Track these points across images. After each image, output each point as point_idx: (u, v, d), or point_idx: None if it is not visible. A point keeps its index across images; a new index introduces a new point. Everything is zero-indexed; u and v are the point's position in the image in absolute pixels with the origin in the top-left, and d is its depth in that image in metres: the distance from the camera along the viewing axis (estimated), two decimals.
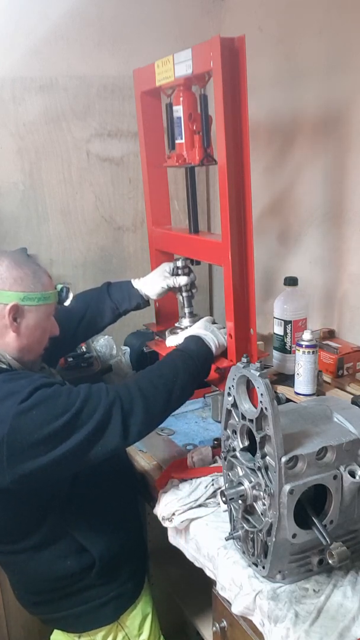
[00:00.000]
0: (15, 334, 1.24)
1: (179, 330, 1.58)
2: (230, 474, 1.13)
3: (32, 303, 1.24)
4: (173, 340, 1.50)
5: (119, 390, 1.19)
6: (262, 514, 1.04)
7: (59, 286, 1.33)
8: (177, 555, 1.31)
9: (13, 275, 1.23)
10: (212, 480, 1.33)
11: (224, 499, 1.07)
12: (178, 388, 1.25)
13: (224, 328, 1.42)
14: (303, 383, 1.56)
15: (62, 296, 1.33)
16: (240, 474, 1.08)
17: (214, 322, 1.47)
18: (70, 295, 1.36)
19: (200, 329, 1.42)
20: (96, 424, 1.13)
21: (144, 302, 1.59)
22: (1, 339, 1.23)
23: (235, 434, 1.10)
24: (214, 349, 1.37)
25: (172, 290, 1.58)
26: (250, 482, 1.05)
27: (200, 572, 1.23)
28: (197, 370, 1.31)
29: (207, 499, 1.30)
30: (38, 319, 1.26)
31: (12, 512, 1.25)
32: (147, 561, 1.51)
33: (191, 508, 1.28)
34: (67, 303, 1.35)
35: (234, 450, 1.11)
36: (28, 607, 1.43)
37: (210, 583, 1.22)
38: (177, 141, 1.48)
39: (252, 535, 1.08)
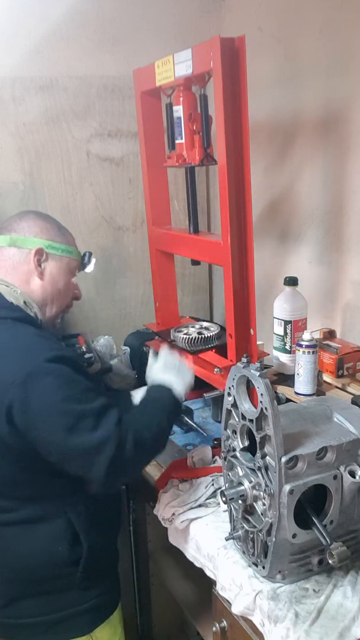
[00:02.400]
0: (39, 280, 1.30)
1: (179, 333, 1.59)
2: (230, 474, 1.13)
3: (56, 252, 1.32)
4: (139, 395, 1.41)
5: (124, 428, 1.16)
6: (262, 514, 1.04)
7: (83, 252, 1.41)
8: (177, 555, 1.31)
9: (39, 225, 1.32)
10: (212, 480, 1.34)
11: (224, 499, 1.07)
12: (162, 444, 1.27)
13: (183, 357, 1.40)
14: (303, 383, 1.56)
15: (84, 260, 1.42)
16: (240, 474, 1.09)
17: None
18: (93, 261, 1.44)
19: (161, 373, 1.36)
20: (93, 444, 1.11)
21: None
22: (26, 285, 1.29)
23: (235, 434, 1.10)
24: (183, 394, 1.32)
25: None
26: (250, 482, 1.05)
27: (200, 572, 1.23)
28: (168, 419, 1.29)
29: (207, 499, 1.30)
30: (61, 270, 1.33)
31: (15, 469, 1.21)
32: (119, 580, 1.44)
33: (191, 508, 1.28)
34: (88, 269, 1.43)
35: (234, 450, 1.11)
36: (4, 605, 1.32)
37: (210, 583, 1.22)
38: (177, 141, 1.48)
39: (252, 535, 1.08)
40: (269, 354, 1.69)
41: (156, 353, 1.45)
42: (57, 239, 1.33)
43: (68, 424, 1.11)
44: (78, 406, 1.13)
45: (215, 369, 1.41)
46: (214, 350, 1.52)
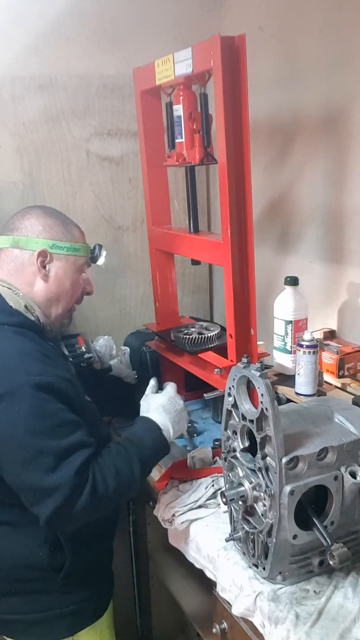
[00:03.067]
0: (43, 282, 1.25)
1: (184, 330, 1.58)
2: (230, 474, 1.12)
3: (61, 252, 1.26)
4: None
5: (85, 477, 1.10)
6: (262, 515, 1.03)
7: (92, 245, 1.36)
8: (177, 556, 1.30)
9: (42, 223, 1.27)
10: (213, 481, 1.33)
11: (224, 499, 1.06)
12: (129, 489, 1.20)
13: (184, 401, 1.36)
14: (304, 383, 1.55)
15: (94, 253, 1.37)
16: (241, 474, 1.08)
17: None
18: (104, 254, 1.39)
19: (160, 411, 1.30)
20: (45, 486, 1.07)
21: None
22: (30, 288, 1.25)
23: (236, 434, 1.09)
24: (173, 439, 1.29)
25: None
26: (251, 482, 1.04)
27: (200, 573, 1.23)
28: (151, 466, 1.26)
29: (208, 499, 1.29)
30: (67, 270, 1.28)
31: None
32: (112, 587, 1.42)
33: (191, 509, 1.28)
34: (100, 262, 1.38)
35: (235, 450, 1.11)
36: None
37: (210, 584, 1.21)
38: (177, 140, 1.47)
39: (252, 537, 1.07)
40: (269, 354, 1.69)
41: (158, 386, 1.42)
42: (61, 237, 1.28)
43: (24, 457, 1.07)
44: (40, 442, 1.08)
45: (216, 369, 1.41)
46: (214, 351, 1.51)
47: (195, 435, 1.59)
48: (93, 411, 1.35)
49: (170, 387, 1.38)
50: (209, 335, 1.55)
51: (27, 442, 1.08)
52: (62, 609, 1.27)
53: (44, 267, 1.26)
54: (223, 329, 1.56)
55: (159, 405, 1.32)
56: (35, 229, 1.27)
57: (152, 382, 1.44)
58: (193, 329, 1.61)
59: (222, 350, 1.47)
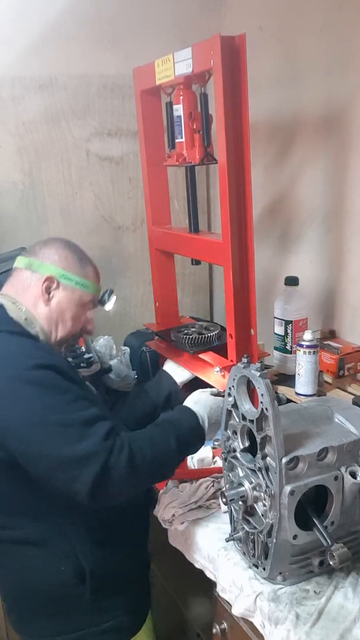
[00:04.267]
0: (45, 306, 1.28)
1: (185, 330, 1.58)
2: (230, 474, 1.12)
3: (69, 283, 1.30)
4: (172, 369, 1.50)
5: (115, 443, 1.09)
6: (262, 515, 1.03)
7: (105, 288, 1.41)
8: (177, 556, 1.30)
9: (59, 253, 1.31)
10: (213, 481, 1.33)
11: (224, 500, 1.06)
12: (167, 464, 1.18)
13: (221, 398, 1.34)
14: (304, 383, 1.55)
15: (103, 296, 1.42)
16: (241, 474, 1.08)
17: (218, 393, 1.34)
18: (113, 299, 1.45)
19: (202, 406, 1.29)
20: (77, 456, 1.05)
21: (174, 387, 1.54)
22: (34, 308, 1.28)
23: (236, 434, 1.09)
24: (207, 428, 1.25)
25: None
26: (251, 483, 1.04)
27: (200, 573, 1.23)
28: (186, 451, 1.24)
29: (208, 500, 1.29)
30: (70, 301, 1.30)
31: (16, 490, 1.17)
32: (148, 599, 1.40)
33: (191, 509, 1.27)
34: (108, 307, 1.44)
35: (235, 451, 1.10)
36: (15, 621, 1.32)
37: (210, 585, 1.21)
38: (177, 140, 1.47)
39: (252, 537, 1.07)
40: (269, 354, 1.69)
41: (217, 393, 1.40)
42: (73, 270, 1.31)
43: (49, 434, 1.07)
44: (61, 416, 1.08)
45: (215, 369, 1.41)
46: (214, 351, 1.51)
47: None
48: (104, 409, 1.33)
49: (221, 398, 1.35)
50: (209, 335, 1.54)
51: (48, 418, 1.07)
52: (93, 628, 1.24)
53: (49, 292, 1.29)
54: (223, 329, 1.56)
55: (206, 404, 1.30)
56: (52, 257, 1.31)
57: (213, 391, 1.39)
58: (193, 329, 1.61)
59: (222, 350, 1.47)
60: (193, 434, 1.23)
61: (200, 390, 1.36)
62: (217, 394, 1.33)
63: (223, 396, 1.30)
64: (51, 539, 1.20)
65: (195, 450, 1.26)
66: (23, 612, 1.29)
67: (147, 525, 1.38)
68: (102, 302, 1.42)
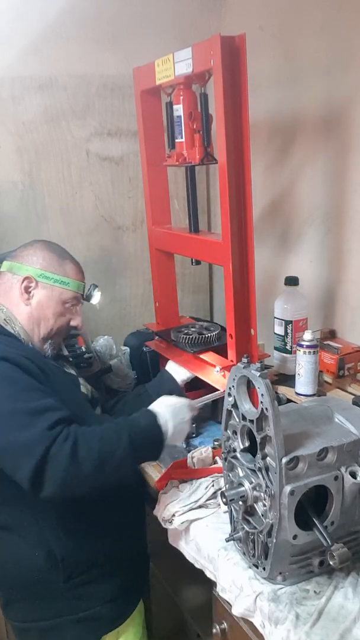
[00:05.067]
0: (26, 306, 1.34)
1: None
2: (230, 474, 1.12)
3: (47, 281, 1.35)
4: (173, 368, 1.54)
5: (61, 432, 1.09)
6: (262, 515, 1.03)
7: (89, 284, 1.45)
8: (177, 556, 1.30)
9: (37, 254, 1.37)
10: (213, 481, 1.33)
11: (224, 500, 1.06)
12: (115, 460, 1.14)
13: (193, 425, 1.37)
14: (304, 383, 1.55)
15: (88, 292, 1.47)
16: (241, 474, 1.08)
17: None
18: (97, 294, 1.49)
19: (164, 407, 1.28)
20: (19, 443, 1.07)
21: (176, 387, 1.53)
22: (16, 308, 1.34)
23: (236, 434, 1.09)
24: (169, 433, 1.24)
25: None
26: (251, 483, 1.04)
27: (200, 573, 1.23)
28: (141, 449, 1.21)
29: (208, 500, 1.29)
30: (50, 299, 1.35)
31: None
32: (138, 589, 1.40)
33: (191, 509, 1.27)
34: (94, 301, 1.48)
35: (235, 451, 1.10)
36: (2, 605, 1.35)
37: (210, 584, 1.21)
38: (177, 140, 1.47)
39: (252, 537, 1.07)
40: (269, 356, 1.69)
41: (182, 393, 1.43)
42: (52, 270, 1.36)
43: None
44: (10, 404, 1.10)
45: (215, 369, 1.41)
46: (214, 351, 1.51)
47: (195, 435, 1.59)
48: (81, 405, 1.35)
49: (188, 401, 1.35)
50: (209, 335, 1.55)
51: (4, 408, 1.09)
52: (70, 616, 1.26)
53: (28, 292, 1.34)
54: (223, 329, 1.56)
55: (169, 404, 1.30)
56: (32, 258, 1.36)
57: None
58: (193, 329, 1.61)
59: (222, 351, 1.47)
60: (149, 434, 1.21)
61: (166, 396, 1.34)
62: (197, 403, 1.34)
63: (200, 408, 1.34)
64: (24, 524, 1.22)
65: (153, 452, 1.24)
66: (7, 597, 1.31)
67: (137, 523, 1.40)
68: (87, 298, 1.46)
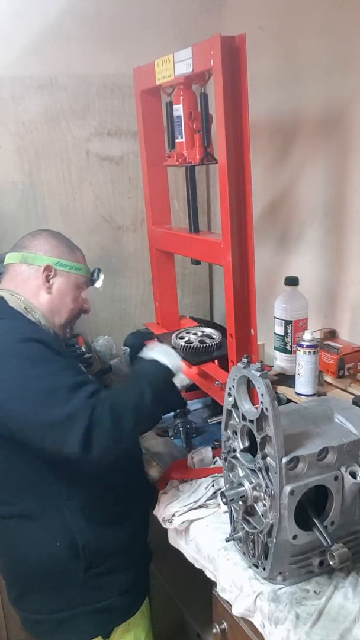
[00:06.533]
0: (47, 295, 1.38)
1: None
2: (230, 474, 1.12)
3: (64, 269, 1.40)
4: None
5: (99, 399, 1.17)
6: (262, 515, 1.03)
7: (92, 268, 1.51)
8: (177, 556, 1.30)
9: (50, 243, 1.41)
10: (213, 481, 1.33)
11: (224, 500, 1.06)
12: (147, 408, 1.23)
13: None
14: (304, 383, 1.55)
15: (93, 276, 1.52)
16: (241, 474, 1.08)
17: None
18: (102, 277, 1.54)
19: (156, 352, 1.38)
20: (65, 415, 1.12)
21: None
22: (35, 299, 1.37)
23: (236, 434, 1.09)
24: (173, 370, 1.34)
25: None
26: (251, 483, 1.04)
27: (200, 573, 1.23)
28: (162, 391, 1.29)
29: (208, 500, 1.29)
30: (68, 285, 1.41)
31: (12, 463, 1.23)
32: (146, 583, 1.43)
33: (191, 509, 1.27)
34: (97, 285, 1.54)
35: (235, 451, 1.10)
36: (13, 598, 1.37)
37: (210, 584, 1.21)
38: (177, 140, 1.47)
39: (252, 537, 1.07)
40: (272, 367, 1.69)
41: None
42: (66, 257, 1.41)
43: (38, 398, 1.13)
44: (48, 382, 1.15)
45: (216, 382, 1.41)
46: (216, 362, 1.51)
47: (194, 435, 1.59)
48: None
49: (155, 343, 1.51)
50: (210, 345, 1.54)
51: (37, 385, 1.15)
52: (87, 607, 1.28)
53: (48, 281, 1.38)
54: (224, 334, 1.55)
55: (158, 350, 1.40)
56: (43, 247, 1.40)
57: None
58: (194, 336, 1.60)
59: (223, 359, 1.46)
60: (162, 376, 1.32)
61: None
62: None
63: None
64: (46, 513, 1.25)
65: (172, 390, 1.35)
66: (22, 588, 1.33)
67: (145, 514, 1.40)
68: (92, 282, 1.52)
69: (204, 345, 1.53)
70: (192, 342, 1.55)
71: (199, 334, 1.63)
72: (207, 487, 1.31)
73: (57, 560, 1.25)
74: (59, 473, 1.23)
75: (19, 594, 1.34)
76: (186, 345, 1.54)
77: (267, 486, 1.00)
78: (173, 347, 1.55)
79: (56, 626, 1.29)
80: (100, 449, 1.13)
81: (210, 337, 1.60)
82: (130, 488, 1.37)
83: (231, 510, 1.15)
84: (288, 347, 1.68)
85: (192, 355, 1.51)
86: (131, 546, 1.35)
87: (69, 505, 1.25)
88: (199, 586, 1.30)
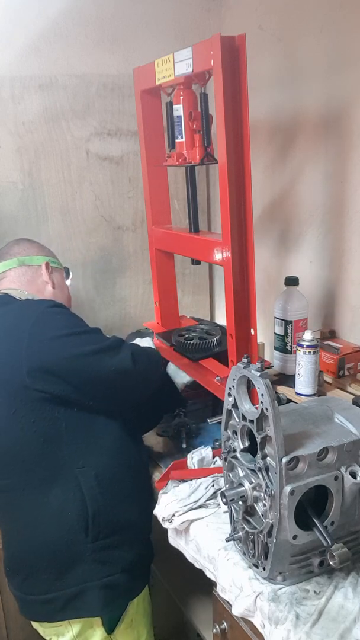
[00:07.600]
0: (52, 289, 1.51)
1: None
2: (230, 474, 1.12)
3: (55, 265, 1.56)
4: (174, 371, 1.61)
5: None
6: (262, 515, 1.03)
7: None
8: (177, 556, 1.30)
9: (34, 246, 1.55)
10: (213, 481, 1.33)
11: (224, 500, 1.06)
12: (153, 357, 1.48)
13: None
14: (304, 383, 1.55)
15: (68, 271, 1.64)
16: (241, 474, 1.08)
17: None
18: (71, 275, 1.65)
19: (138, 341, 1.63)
20: (110, 343, 1.32)
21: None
22: (43, 295, 1.49)
23: (236, 434, 1.09)
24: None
25: None
26: (251, 483, 1.04)
27: (200, 573, 1.23)
28: (156, 357, 1.53)
29: (208, 500, 1.29)
30: (61, 278, 1.58)
31: (27, 424, 1.28)
32: (148, 567, 1.44)
33: (191, 509, 1.27)
34: (68, 282, 1.63)
35: (235, 451, 1.10)
36: (18, 584, 1.37)
37: (210, 584, 1.21)
38: (177, 140, 1.47)
39: (252, 537, 1.07)
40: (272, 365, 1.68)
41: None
42: (52, 255, 1.57)
43: (91, 340, 1.31)
44: (88, 328, 1.34)
45: (216, 378, 1.41)
46: (215, 357, 1.51)
47: (194, 435, 1.59)
48: None
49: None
50: (210, 340, 1.54)
51: (84, 329, 1.33)
52: (94, 581, 1.29)
53: (50, 277, 1.51)
54: (224, 332, 1.56)
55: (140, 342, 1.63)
56: (32, 250, 1.54)
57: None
58: (194, 334, 1.60)
59: (224, 356, 1.46)
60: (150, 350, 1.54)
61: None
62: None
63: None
64: (62, 480, 1.30)
65: (157, 361, 1.52)
66: (29, 570, 1.34)
67: (149, 509, 1.40)
68: (68, 276, 1.65)
69: (204, 341, 1.54)
70: (192, 339, 1.55)
71: (199, 330, 1.63)
72: (207, 487, 1.31)
73: (67, 532, 1.29)
74: (77, 444, 1.32)
75: (25, 577, 1.35)
76: (186, 341, 1.54)
77: (267, 486, 1.00)
78: (172, 345, 1.59)
79: (66, 602, 1.30)
80: (142, 363, 1.35)
81: (209, 333, 1.60)
82: (140, 470, 1.43)
83: (231, 510, 1.15)
84: (288, 347, 1.68)
85: (192, 351, 1.52)
86: (137, 526, 1.38)
87: (83, 473, 1.31)
88: (199, 586, 1.30)
